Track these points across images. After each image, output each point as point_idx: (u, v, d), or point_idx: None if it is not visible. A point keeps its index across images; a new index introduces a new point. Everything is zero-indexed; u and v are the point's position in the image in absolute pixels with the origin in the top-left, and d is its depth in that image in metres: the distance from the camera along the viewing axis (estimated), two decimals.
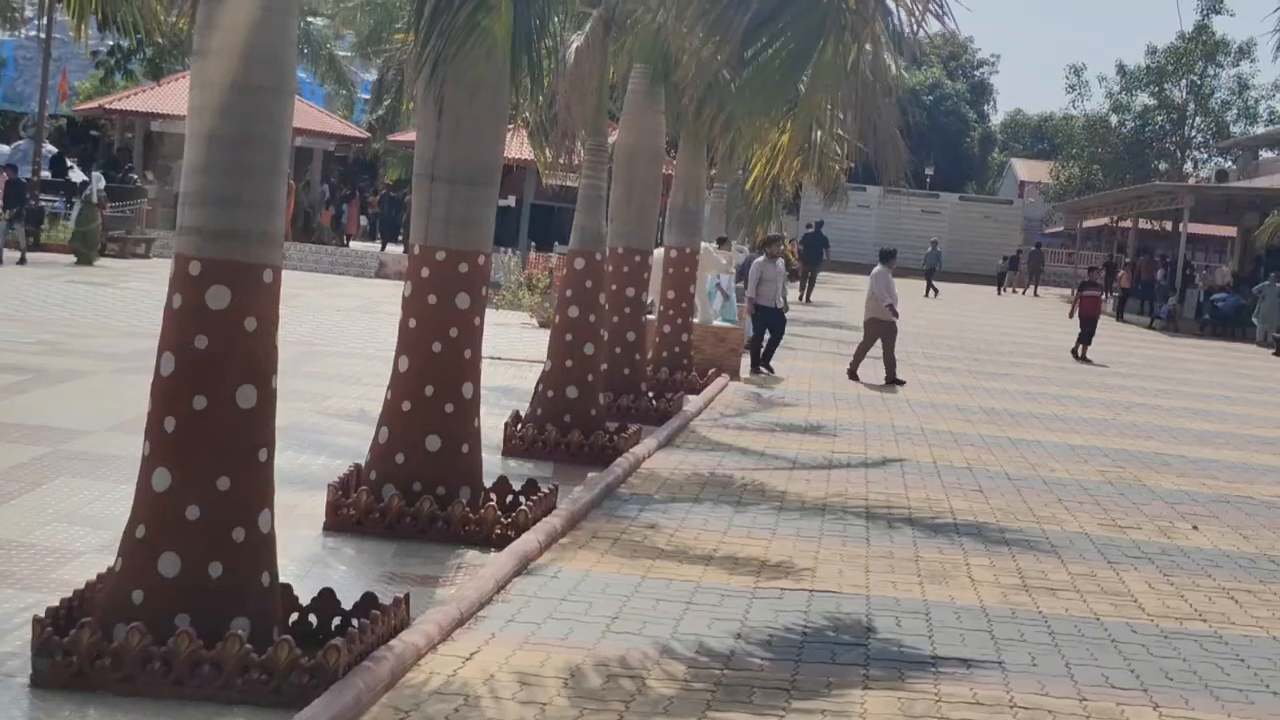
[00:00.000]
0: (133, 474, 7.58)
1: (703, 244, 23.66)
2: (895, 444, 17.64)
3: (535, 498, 11.19)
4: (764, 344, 24.83)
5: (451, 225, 10.82)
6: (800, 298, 45.64)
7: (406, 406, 10.82)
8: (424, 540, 10.49)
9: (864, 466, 15.72)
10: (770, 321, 24.72)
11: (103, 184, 38.51)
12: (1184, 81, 75.84)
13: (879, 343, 24.44)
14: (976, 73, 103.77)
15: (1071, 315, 34.30)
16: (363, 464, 11.15)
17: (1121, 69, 77.00)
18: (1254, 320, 45.84)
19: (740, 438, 17.31)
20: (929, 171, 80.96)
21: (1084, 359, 32.62)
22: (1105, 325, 50.21)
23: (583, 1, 14.96)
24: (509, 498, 11.44)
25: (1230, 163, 71.94)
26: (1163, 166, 76.44)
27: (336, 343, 23.29)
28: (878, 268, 25.06)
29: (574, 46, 14.63)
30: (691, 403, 19.39)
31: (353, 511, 10.59)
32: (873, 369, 24.63)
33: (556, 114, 15.66)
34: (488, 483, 11.29)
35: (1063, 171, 79.21)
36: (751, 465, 15.29)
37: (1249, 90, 76.26)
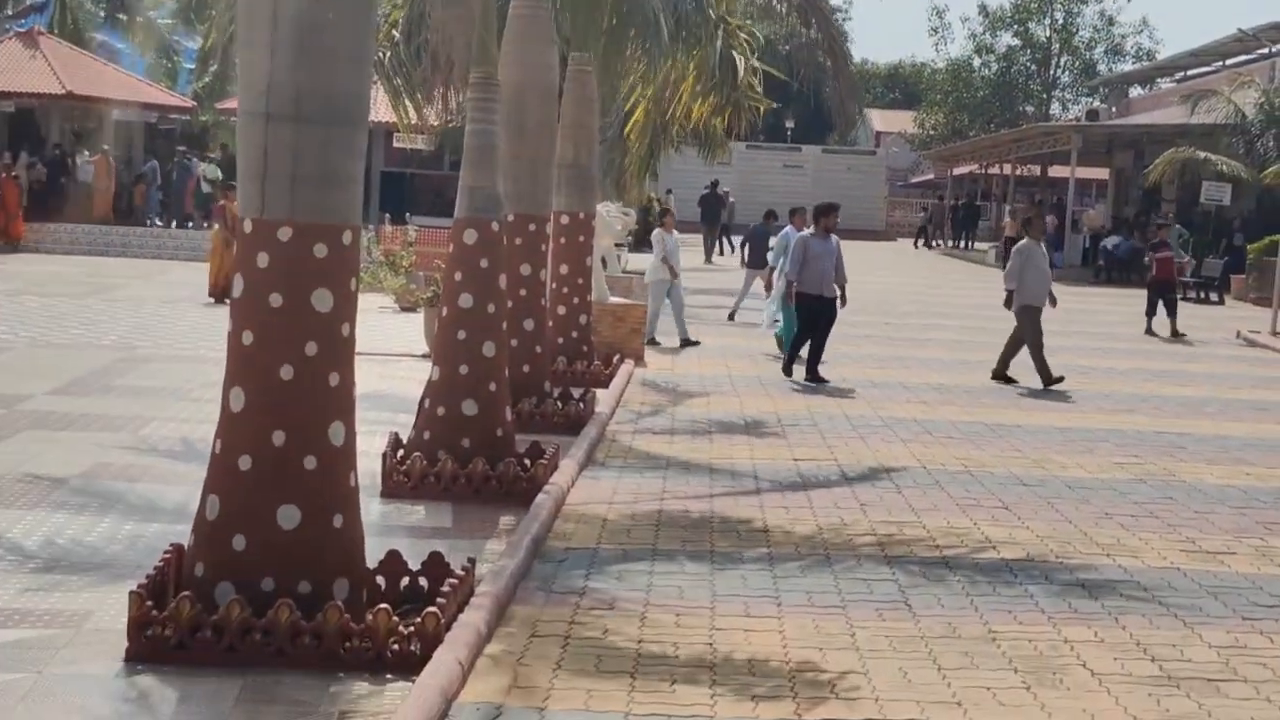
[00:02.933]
0: None
1: (599, 207, 20.08)
2: (863, 443, 14.27)
3: (447, 587, 7.60)
4: (796, 341, 19.16)
5: (302, 186, 7.20)
6: (705, 259, 46.59)
7: (245, 464, 7.18)
8: (283, 669, 6.88)
9: (846, 481, 12.32)
10: (819, 313, 18.82)
11: None
12: (1048, 20, 73.56)
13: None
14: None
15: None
16: (186, 545, 7.49)
17: (984, 9, 74.59)
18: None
19: (674, 445, 13.81)
20: (789, 124, 77.94)
21: (1178, 335, 27.60)
22: (990, 277, 47.61)
23: None
24: (405, 580, 7.88)
25: (1100, 102, 69.78)
26: (1029, 109, 74.22)
27: (162, 344, 19.36)
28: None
29: None
30: (602, 400, 15.86)
31: (168, 632, 6.95)
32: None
33: (425, 42, 12.02)
34: (374, 555, 7.72)
35: (927, 119, 76.72)
36: (705, 488, 11.81)
37: (1115, 26, 74.26)
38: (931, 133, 75.93)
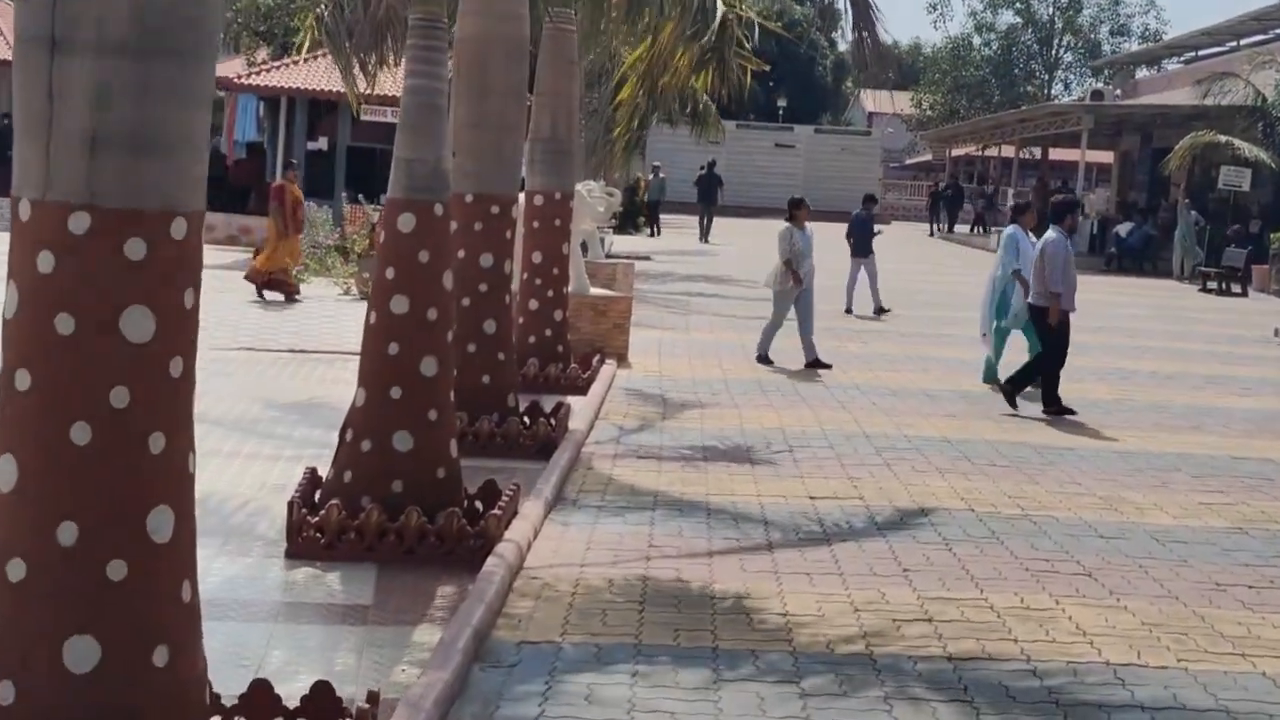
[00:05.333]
0: None
1: (579, 187, 17.57)
2: (891, 473, 11.80)
3: None
4: (1045, 364, 15.42)
5: (107, 151, 4.70)
6: (700, 239, 45.81)
7: (15, 572, 4.70)
8: None
9: (878, 530, 9.84)
10: (1062, 334, 15.15)
11: None
12: None
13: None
14: None
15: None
16: None
17: None
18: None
19: (662, 476, 11.34)
20: (781, 103, 75.33)
21: None
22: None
23: None
24: None
25: (1105, 83, 67.25)
26: (1029, 89, 71.69)
27: None
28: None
29: None
30: (578, 412, 13.39)
31: None
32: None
33: None
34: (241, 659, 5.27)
35: (925, 99, 74.16)
36: (703, 540, 9.34)
37: (1120, 5, 71.64)
38: (929, 113, 73.39)
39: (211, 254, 28.59)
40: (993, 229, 54.31)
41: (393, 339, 8.82)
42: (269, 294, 21.63)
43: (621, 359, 17.81)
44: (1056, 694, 6.75)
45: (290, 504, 8.47)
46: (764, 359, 18.24)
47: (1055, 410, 15.16)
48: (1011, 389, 15.36)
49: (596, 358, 16.44)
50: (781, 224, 18.37)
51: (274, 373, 15.12)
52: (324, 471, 9.17)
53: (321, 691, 5.48)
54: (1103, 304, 31.55)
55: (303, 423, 12.52)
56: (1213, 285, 37.77)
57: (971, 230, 60.18)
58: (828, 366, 17.83)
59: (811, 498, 10.76)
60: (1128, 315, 28.59)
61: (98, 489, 4.70)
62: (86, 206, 4.67)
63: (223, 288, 23.04)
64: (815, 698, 6.55)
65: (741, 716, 6.29)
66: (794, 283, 17.89)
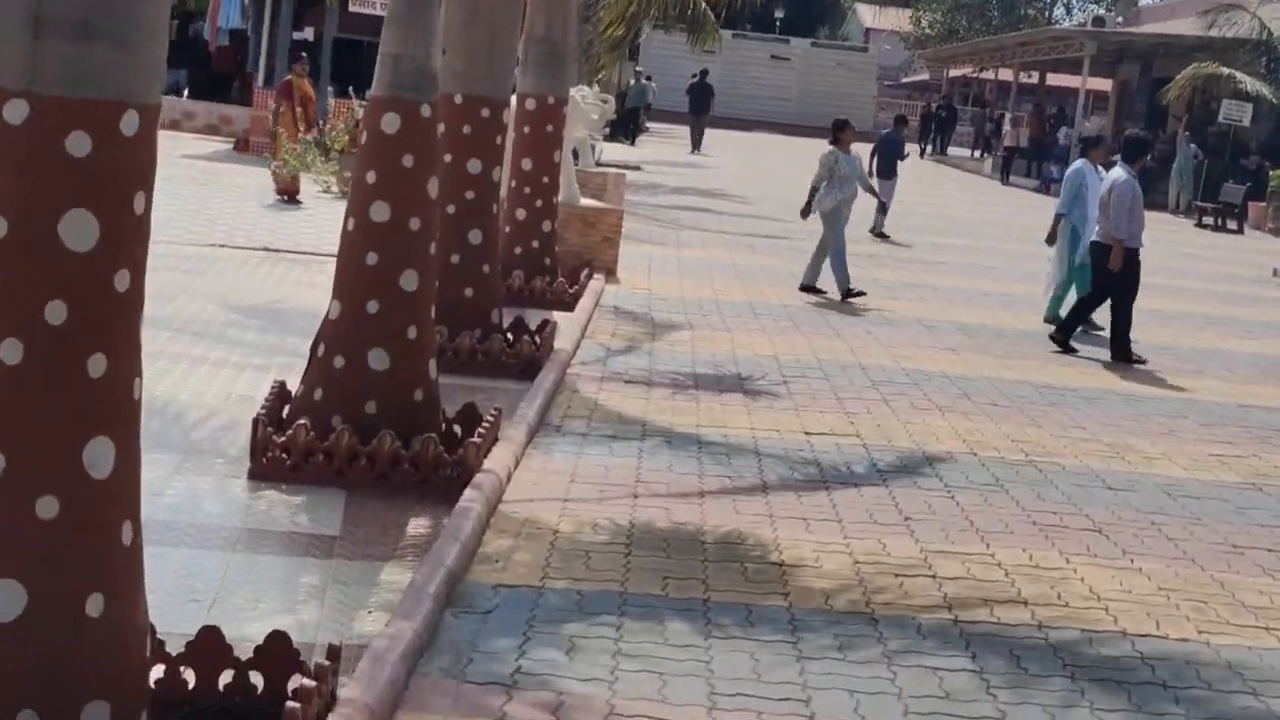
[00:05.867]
0: None
1: (573, 92, 16.90)
2: (889, 409, 11.29)
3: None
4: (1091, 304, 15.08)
5: (48, 34, 4.11)
6: (692, 149, 45.33)
7: None
8: None
9: (878, 475, 9.32)
10: (1128, 275, 14.35)
11: None
12: None
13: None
14: None
15: None
16: None
17: None
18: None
19: (650, 404, 10.81)
20: (778, 15, 74.20)
21: None
22: (988, 190, 44.61)
23: None
24: (229, 674, 4.90)
25: (1106, 9, 66.24)
26: (1029, 12, 70.65)
27: None
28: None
29: None
30: (564, 330, 12.84)
31: None
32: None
33: None
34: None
35: (924, 17, 73.11)
36: (694, 478, 8.82)
37: None
38: (928, 31, 72.36)
39: (190, 143, 27.84)
40: (991, 154, 53.64)
41: (371, 248, 8.23)
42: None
43: (610, 274, 17.23)
44: (1071, 666, 6.26)
45: (255, 421, 7.91)
46: (850, 292, 16.88)
47: (1066, 348, 14.70)
48: (1063, 337, 14.85)
49: (585, 272, 15.87)
50: (825, 146, 17.32)
51: (246, 273, 14.52)
52: (293, 385, 8.62)
53: (277, 643, 4.95)
54: None
55: (273, 328, 11.95)
56: (1209, 221, 37.24)
57: (972, 154, 59.53)
58: (821, 292, 17.22)
59: (807, 434, 10.24)
60: None
61: (29, 415, 4.15)
62: (24, 93, 4.08)
63: (201, 179, 22.39)
64: (813, 660, 6.05)
65: (734, 679, 5.79)
66: (802, 214, 17.16)
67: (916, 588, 7.09)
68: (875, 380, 12.37)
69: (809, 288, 17.25)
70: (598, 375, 11.67)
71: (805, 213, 17.21)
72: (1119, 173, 14.38)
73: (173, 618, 5.80)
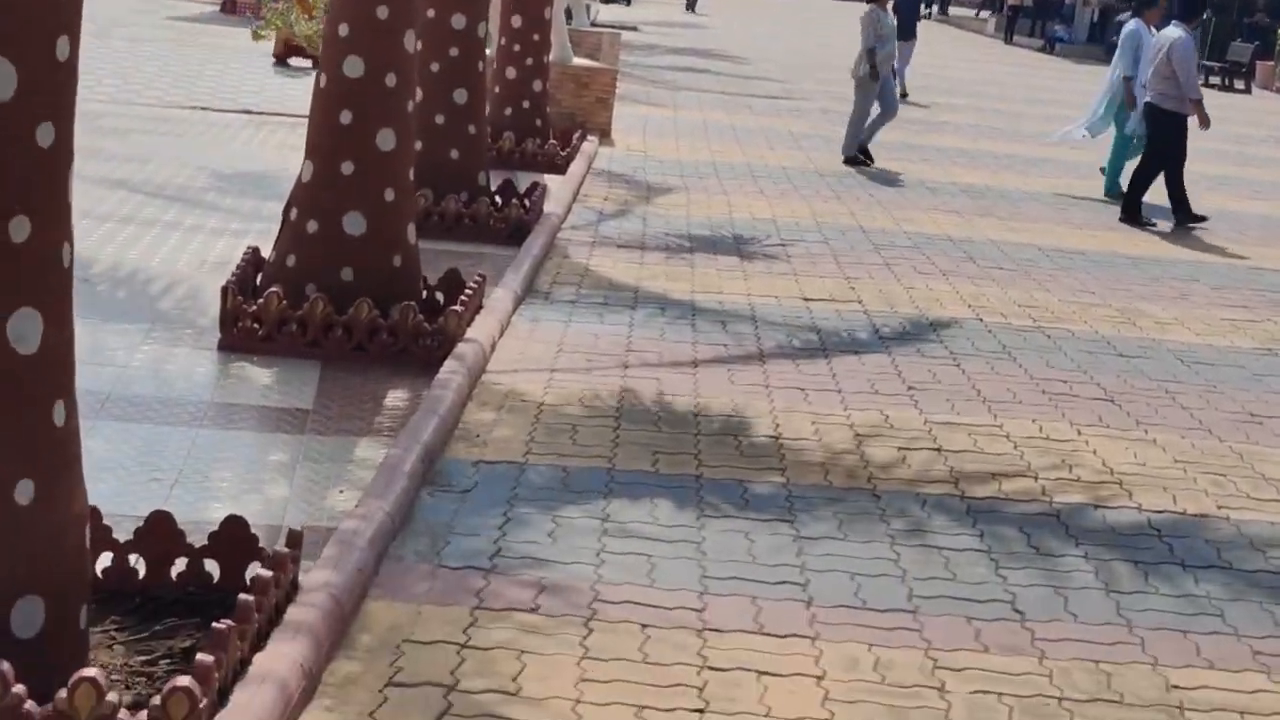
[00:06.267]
0: None
1: None
2: (891, 273, 10.90)
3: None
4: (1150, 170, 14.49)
5: None
6: (686, 8, 45.27)
7: None
8: None
9: (880, 341, 8.95)
10: (1180, 141, 14.20)
11: None
12: None
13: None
14: None
15: None
16: None
17: None
18: None
19: (643, 269, 10.41)
20: None
21: None
22: (991, 50, 43.80)
23: None
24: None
25: None
26: None
27: None
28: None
29: None
30: (555, 193, 12.40)
31: None
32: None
33: None
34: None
35: None
36: (688, 346, 8.44)
37: None
38: None
39: (175, 4, 26.98)
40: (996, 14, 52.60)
41: (345, 106, 7.76)
42: (294, 60, 20.06)
43: (604, 136, 16.75)
44: (1083, 543, 5.91)
45: (225, 290, 7.50)
46: (852, 159, 16.42)
47: (1134, 220, 14.24)
48: (1131, 209, 14.35)
49: (577, 134, 15.38)
50: (865, 6, 16.59)
51: (227, 136, 14.02)
52: (269, 252, 8.20)
53: (233, 528, 4.59)
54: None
55: (254, 192, 11.50)
56: (1215, 80, 36.55)
57: (976, 14, 58.49)
58: (867, 161, 16.44)
59: (806, 299, 9.85)
60: None
61: None
62: None
63: (180, 40, 21.78)
64: (811, 540, 5.70)
65: (728, 561, 5.45)
66: (871, 75, 16.11)
67: (921, 461, 6.73)
68: (877, 244, 11.96)
69: (853, 159, 16.48)
70: (589, 240, 11.25)
71: (875, 75, 16.09)
72: (1176, 32, 13.95)
73: (132, 499, 5.46)
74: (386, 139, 7.78)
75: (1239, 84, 36.48)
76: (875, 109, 16.51)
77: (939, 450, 6.89)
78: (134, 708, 3.81)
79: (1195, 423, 7.75)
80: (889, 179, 15.65)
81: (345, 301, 7.53)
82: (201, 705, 3.61)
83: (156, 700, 3.61)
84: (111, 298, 8.18)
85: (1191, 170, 18.38)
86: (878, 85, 16.20)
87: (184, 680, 3.62)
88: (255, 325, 7.45)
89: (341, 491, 5.77)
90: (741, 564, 5.42)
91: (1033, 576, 5.54)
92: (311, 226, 7.76)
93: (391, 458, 5.87)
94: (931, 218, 13.45)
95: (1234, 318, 10.49)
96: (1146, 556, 5.84)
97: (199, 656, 3.74)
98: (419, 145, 10.61)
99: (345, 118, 7.74)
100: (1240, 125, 26.31)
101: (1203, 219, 14.25)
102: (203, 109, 15.57)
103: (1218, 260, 12.78)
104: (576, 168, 14.06)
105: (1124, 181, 15.01)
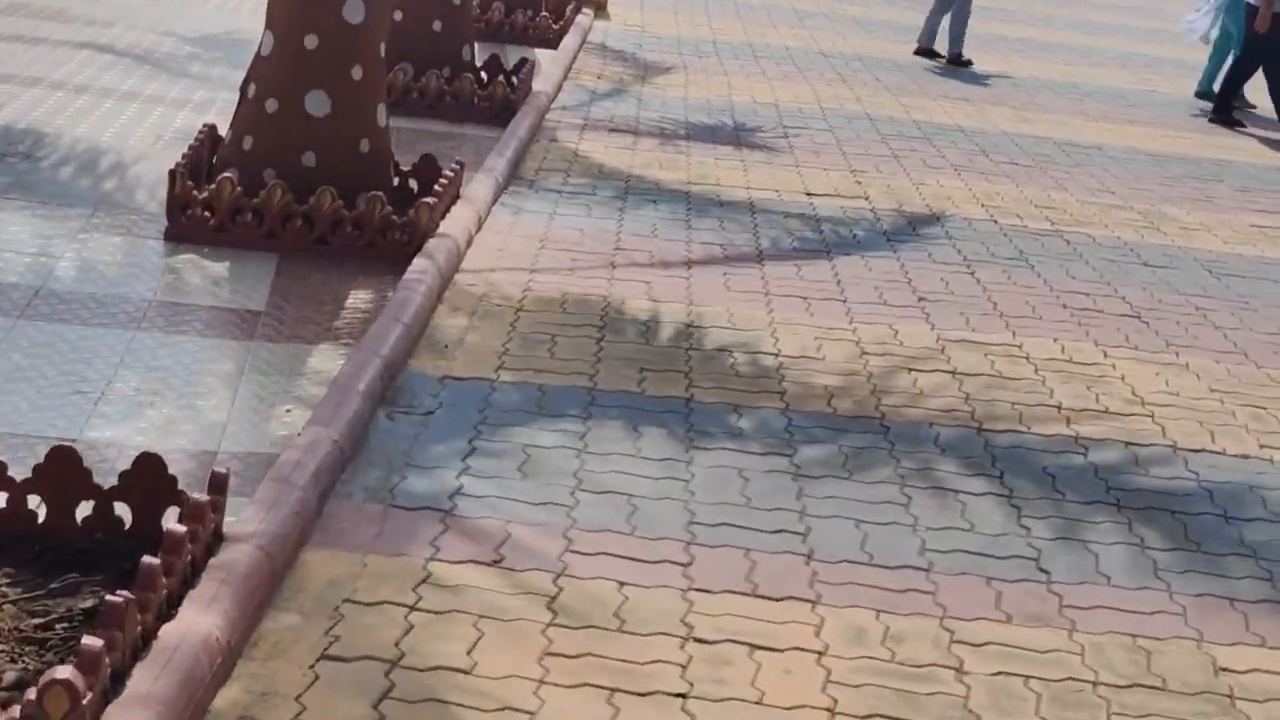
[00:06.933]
0: None
1: None
2: (899, 165, 10.23)
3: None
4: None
5: None
6: None
7: None
8: None
9: (887, 243, 8.29)
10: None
11: None
12: None
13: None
14: None
15: None
16: None
17: None
18: None
19: (636, 156, 9.73)
20: None
21: None
22: None
23: None
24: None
25: None
26: None
27: None
28: None
29: None
30: (545, 69, 11.69)
31: None
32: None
33: None
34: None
35: None
36: (681, 244, 7.80)
37: None
38: None
39: None
40: None
41: None
42: None
43: (600, 9, 15.97)
44: (1116, 491, 5.30)
45: (173, 173, 6.82)
46: (927, 51, 15.19)
47: (1225, 120, 13.49)
48: (1223, 111, 13.60)
49: (571, 5, 14.58)
50: None
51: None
52: (226, 131, 7.51)
53: (147, 465, 3.97)
54: None
55: (224, 60, 10.78)
56: None
57: None
58: (938, 56, 15.18)
59: (809, 194, 9.18)
60: None
61: None
62: None
63: None
64: (812, 479, 5.10)
65: (719, 504, 4.84)
66: None
67: (934, 386, 6.11)
68: (884, 134, 11.26)
69: (926, 50, 15.32)
70: (579, 122, 10.55)
71: None
72: None
73: (51, 415, 4.86)
74: (354, 9, 7.07)
75: None
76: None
77: (953, 374, 6.27)
78: (12, 689, 3.22)
79: (1230, 345, 7.13)
80: (897, 62, 14.91)
81: (307, 189, 6.86)
82: (85, 701, 3.00)
83: (32, 695, 3.01)
84: (53, 178, 7.49)
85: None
86: None
87: (64, 671, 3.01)
88: (206, 214, 6.79)
89: (289, 411, 5.16)
90: (734, 508, 4.82)
91: (1059, 528, 4.94)
92: (270, 105, 7.07)
93: (345, 374, 5.24)
94: (941, 105, 12.74)
95: (1262, 224, 9.85)
96: (1184, 505, 5.24)
97: (84, 641, 3.12)
98: (398, 15, 9.91)
99: None
100: None
101: (1240, 124, 13.49)
102: None
103: (1240, 158, 12.12)
104: (569, 42, 13.31)
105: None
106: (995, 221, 8.97)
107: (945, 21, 15.06)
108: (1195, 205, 10.14)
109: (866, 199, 9.18)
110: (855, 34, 16.61)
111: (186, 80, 10.01)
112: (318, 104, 7.02)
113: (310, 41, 7.01)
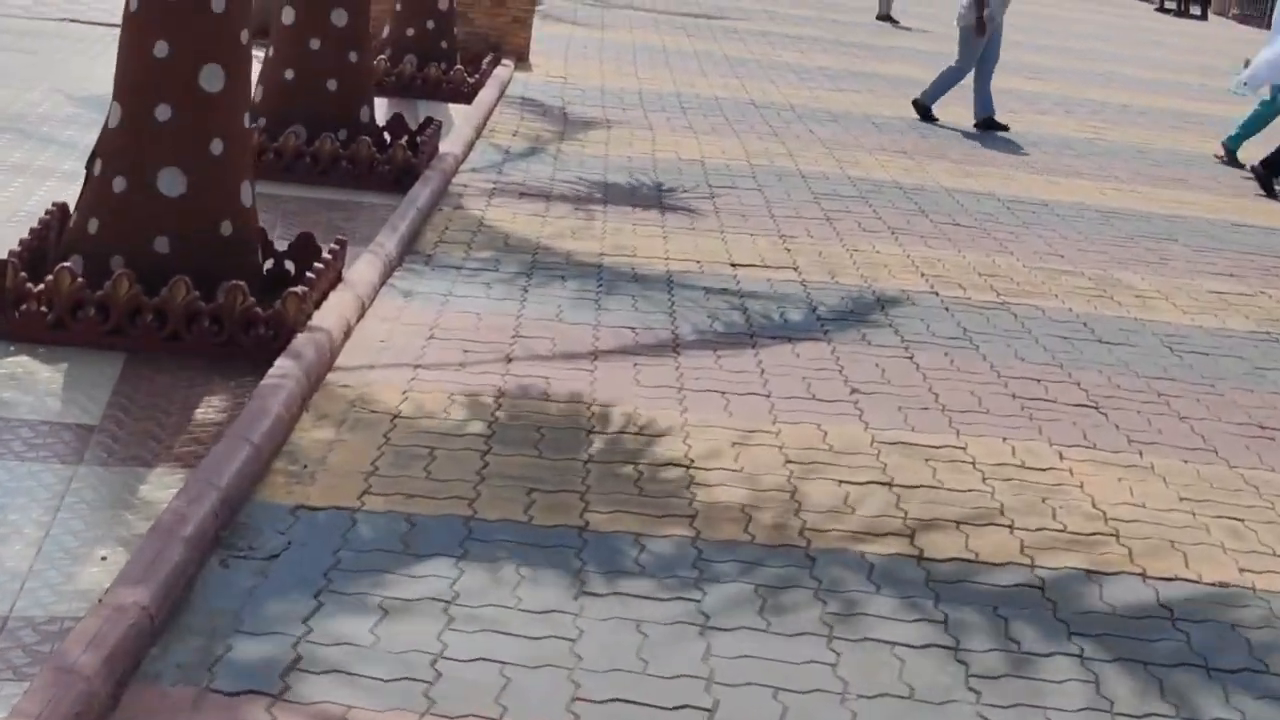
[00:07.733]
0: None
1: None
2: (833, 230, 9.51)
3: None
4: None
5: None
6: None
7: None
8: None
9: (819, 324, 7.53)
10: None
11: None
12: None
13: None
14: None
15: None
16: None
17: None
18: None
19: (547, 223, 8.97)
20: None
21: None
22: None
23: None
24: None
25: None
26: None
27: None
28: None
29: None
30: (456, 126, 10.93)
31: None
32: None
33: None
34: None
35: None
36: (587, 334, 7.02)
37: None
38: None
39: None
40: None
41: (161, 35, 6.23)
42: None
43: (521, 60, 15.23)
44: (1078, 635, 4.55)
45: (5, 263, 6.01)
46: (927, 112, 14.30)
47: (1265, 186, 12.78)
48: (1267, 174, 12.79)
49: (489, 58, 13.86)
50: None
51: (90, 54, 12.40)
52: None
53: None
54: (1050, 19, 29.24)
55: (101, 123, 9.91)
56: (1170, 5, 35.29)
57: None
58: (1004, 128, 14.21)
59: (734, 264, 8.44)
60: (1082, 35, 26.15)
61: None
62: None
63: None
64: (723, 632, 4.32)
65: (610, 670, 4.06)
66: (978, 27, 13.76)
67: (866, 501, 5.35)
68: (817, 192, 10.56)
69: (988, 121, 14.19)
70: (489, 186, 9.79)
71: (982, 29, 13.75)
72: None
73: None
74: (212, 76, 6.27)
75: (1195, 9, 35.17)
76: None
77: (889, 485, 5.51)
78: None
79: (1197, 439, 6.41)
80: (832, 113, 14.26)
81: (159, 279, 6.06)
82: None
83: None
84: None
85: (1153, 105, 17.09)
86: (984, 41, 13.85)
87: None
88: (44, 309, 5.97)
89: (104, 558, 4.34)
90: (628, 677, 4.03)
91: (1014, 691, 4.18)
92: (118, 184, 6.25)
93: (169, 514, 4.42)
94: (878, 159, 12.06)
95: (1222, 289, 9.18)
96: (1158, 654, 4.49)
97: None
98: (289, 75, 9.15)
99: (160, 50, 6.21)
100: (1200, 55, 25.09)
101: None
102: (72, 21, 13.95)
103: (1193, 213, 11.48)
104: (486, 96, 12.56)
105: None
106: (936, 293, 8.25)
107: (970, 80, 14.10)
108: (1150, 269, 9.47)
109: (796, 269, 8.45)
110: (789, 82, 15.97)
111: (55, 146, 9.20)
112: (171, 183, 6.21)
113: (162, 113, 6.21)
